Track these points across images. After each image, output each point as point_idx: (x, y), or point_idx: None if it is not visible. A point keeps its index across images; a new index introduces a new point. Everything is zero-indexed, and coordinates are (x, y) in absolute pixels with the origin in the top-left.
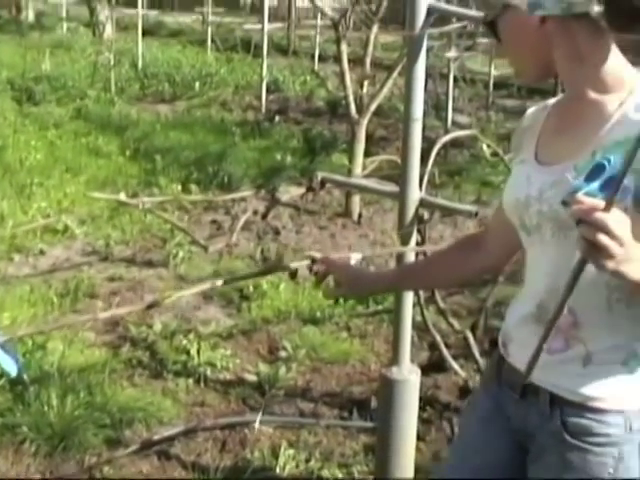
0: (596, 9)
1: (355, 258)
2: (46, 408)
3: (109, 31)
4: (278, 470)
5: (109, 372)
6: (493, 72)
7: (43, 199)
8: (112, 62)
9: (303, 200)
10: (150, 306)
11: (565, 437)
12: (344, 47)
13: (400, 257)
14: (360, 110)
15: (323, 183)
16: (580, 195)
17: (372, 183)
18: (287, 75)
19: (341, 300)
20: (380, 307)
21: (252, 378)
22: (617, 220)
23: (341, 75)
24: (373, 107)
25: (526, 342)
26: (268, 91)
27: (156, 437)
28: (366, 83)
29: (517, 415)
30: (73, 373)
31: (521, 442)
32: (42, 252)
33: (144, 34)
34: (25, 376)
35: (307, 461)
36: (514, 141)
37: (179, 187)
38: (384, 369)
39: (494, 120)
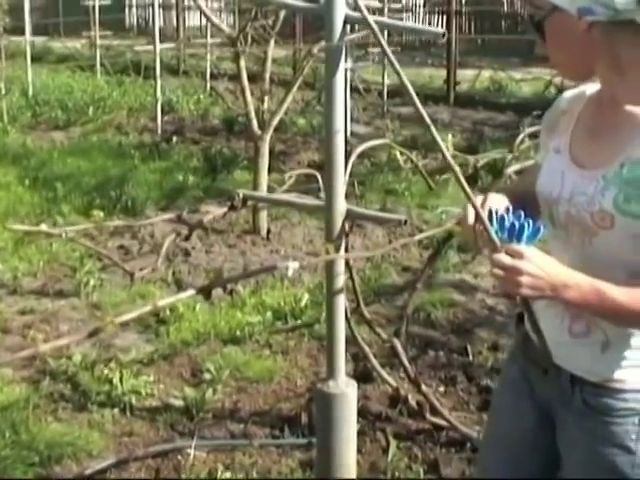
0: None
1: (292, 267)
2: None
3: None
4: None
5: (32, 408)
6: (386, 81)
7: None
8: (2, 91)
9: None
10: (92, 334)
11: (587, 413)
12: (243, 63)
13: (330, 266)
14: (262, 126)
15: (245, 201)
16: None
17: (295, 198)
18: (180, 95)
19: (260, 317)
20: (299, 322)
21: (178, 403)
22: (513, 254)
23: (242, 92)
24: (275, 122)
25: (552, 323)
26: (163, 112)
27: (87, 471)
28: (266, 98)
29: (541, 388)
30: None
31: (546, 411)
32: None
33: (33, 61)
34: None
35: None
36: (549, 119)
37: (96, 214)
38: (320, 383)
39: (391, 128)
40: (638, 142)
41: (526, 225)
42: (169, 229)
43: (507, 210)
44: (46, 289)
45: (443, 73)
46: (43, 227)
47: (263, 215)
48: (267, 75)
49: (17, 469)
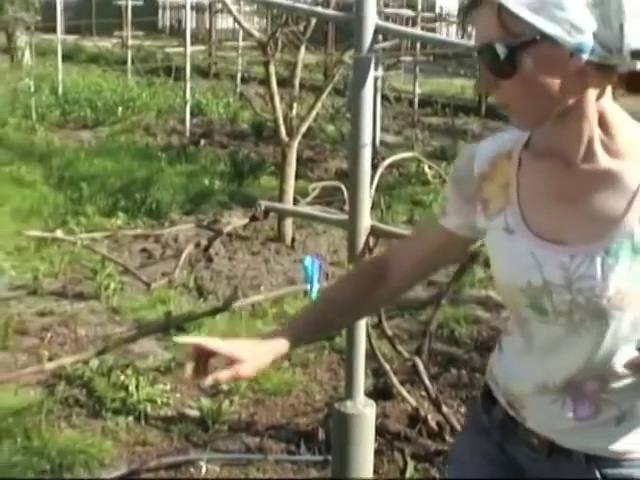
0: (629, 65)
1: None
2: None
3: (28, 57)
4: None
5: (46, 413)
6: (417, 90)
7: None
8: (32, 88)
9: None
10: (100, 352)
11: None
12: (272, 69)
13: None
14: (290, 132)
15: (267, 212)
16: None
17: (318, 211)
18: (210, 98)
19: None
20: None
21: (194, 413)
22: None
23: (270, 97)
24: (303, 129)
25: (546, 409)
26: (191, 115)
27: None
28: (295, 105)
29: (541, 471)
30: (8, 416)
31: None
32: None
33: (63, 59)
34: None
35: None
36: (463, 185)
37: (113, 222)
38: (337, 403)
39: (420, 138)
40: (637, 204)
41: None
42: (193, 233)
43: None
44: (66, 291)
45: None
46: (59, 233)
47: (288, 223)
48: (297, 81)
49: (27, 476)
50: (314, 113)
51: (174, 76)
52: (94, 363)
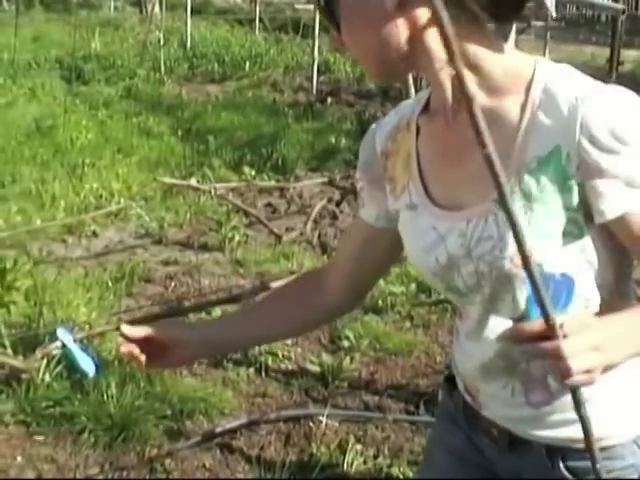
0: None
1: None
2: (105, 397)
3: (157, 10)
4: (345, 467)
5: None
6: (547, 57)
7: (95, 180)
8: (161, 41)
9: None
10: (222, 303)
11: None
12: None
13: None
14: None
15: None
16: (514, 327)
17: None
18: (337, 56)
19: (403, 288)
20: (442, 296)
21: (315, 368)
22: (571, 334)
23: None
24: None
25: (498, 396)
26: (319, 72)
27: (218, 429)
28: None
29: (504, 463)
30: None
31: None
32: (95, 234)
33: (192, 13)
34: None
35: (375, 457)
36: (368, 168)
37: (248, 171)
38: None
39: None
40: (520, 144)
41: None
42: (317, 190)
43: None
44: (191, 241)
45: (606, 52)
46: (193, 181)
47: None
48: None
49: (148, 420)
50: None
51: (302, 33)
52: (217, 313)
